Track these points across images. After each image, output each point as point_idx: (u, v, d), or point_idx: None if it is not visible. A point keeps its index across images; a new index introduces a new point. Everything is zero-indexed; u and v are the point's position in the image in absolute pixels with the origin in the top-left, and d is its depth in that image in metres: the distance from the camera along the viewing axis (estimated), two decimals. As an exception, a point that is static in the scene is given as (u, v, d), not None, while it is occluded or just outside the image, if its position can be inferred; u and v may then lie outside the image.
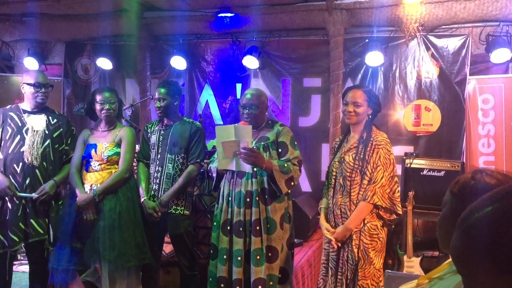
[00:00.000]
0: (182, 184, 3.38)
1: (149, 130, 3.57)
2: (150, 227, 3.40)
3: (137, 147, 3.68)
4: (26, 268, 4.10)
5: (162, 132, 3.50)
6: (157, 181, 3.43)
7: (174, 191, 3.36)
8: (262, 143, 3.12)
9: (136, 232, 3.29)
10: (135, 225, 3.30)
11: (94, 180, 3.31)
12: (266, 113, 3.27)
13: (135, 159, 3.57)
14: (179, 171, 3.42)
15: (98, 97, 3.39)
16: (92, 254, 3.20)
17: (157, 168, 3.45)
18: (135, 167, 3.62)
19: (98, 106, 3.39)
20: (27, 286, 3.62)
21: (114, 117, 3.46)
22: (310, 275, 4.25)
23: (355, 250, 2.79)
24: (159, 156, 3.46)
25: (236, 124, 3.09)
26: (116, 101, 3.44)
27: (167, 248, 3.89)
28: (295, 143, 3.17)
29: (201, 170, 3.67)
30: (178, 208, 3.41)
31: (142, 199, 3.37)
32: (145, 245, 3.31)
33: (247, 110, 3.14)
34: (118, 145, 3.38)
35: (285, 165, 3.02)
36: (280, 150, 3.12)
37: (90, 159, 3.34)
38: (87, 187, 3.31)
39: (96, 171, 3.33)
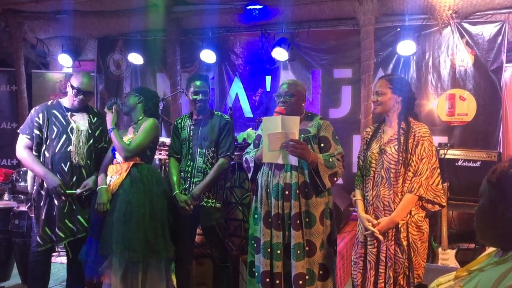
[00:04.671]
0: (213, 177, 3.39)
1: (179, 126, 3.58)
2: (182, 219, 3.43)
3: (167, 140, 3.70)
4: (64, 259, 4.21)
5: (193, 126, 3.51)
6: (188, 175, 3.45)
7: (205, 184, 3.38)
8: (302, 135, 3.04)
9: (147, 227, 3.21)
10: (147, 220, 3.23)
11: (114, 171, 3.34)
12: (303, 105, 3.20)
13: (158, 153, 3.54)
14: (210, 164, 3.44)
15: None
16: (104, 247, 3.21)
17: (188, 163, 3.47)
18: (156, 157, 3.60)
19: None
20: (65, 276, 3.72)
21: (131, 112, 3.49)
22: (342, 267, 4.23)
23: (404, 243, 2.73)
24: (190, 150, 3.48)
25: (280, 111, 3.01)
26: (131, 95, 3.50)
27: (200, 240, 3.94)
28: (337, 137, 3.10)
29: (232, 162, 3.67)
30: (210, 200, 3.43)
31: (174, 193, 3.40)
32: (156, 243, 3.23)
33: (281, 98, 3.10)
34: None
35: (330, 159, 2.96)
36: (322, 145, 3.05)
37: (115, 152, 3.39)
38: (108, 179, 3.36)
39: (118, 163, 3.36)
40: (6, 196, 4.86)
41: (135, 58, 6.15)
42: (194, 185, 3.40)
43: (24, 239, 4.10)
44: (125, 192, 3.25)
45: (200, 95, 3.44)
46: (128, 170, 3.29)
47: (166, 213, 3.35)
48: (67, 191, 3.37)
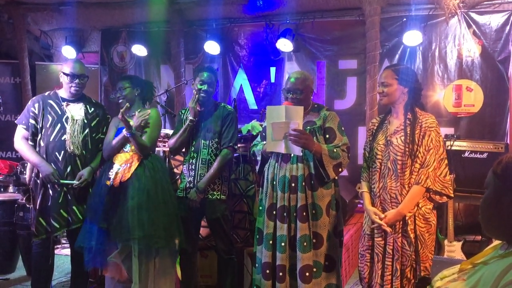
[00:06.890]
0: (217, 168, 3.38)
1: (183, 117, 3.57)
2: (187, 212, 3.42)
3: (171, 132, 3.68)
4: (69, 251, 4.22)
5: (196, 118, 3.50)
6: (193, 167, 3.44)
7: (210, 176, 3.37)
8: (308, 127, 3.03)
9: (162, 213, 3.28)
10: (162, 207, 3.29)
11: (124, 159, 3.34)
12: (311, 97, 3.17)
13: (162, 145, 3.52)
14: (214, 156, 3.42)
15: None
16: (120, 233, 3.22)
17: (192, 154, 3.46)
18: (161, 149, 3.59)
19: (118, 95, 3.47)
20: (70, 269, 3.73)
21: (132, 101, 3.44)
22: (347, 259, 4.22)
23: (412, 235, 2.70)
24: (194, 142, 3.47)
25: (288, 105, 2.97)
26: (127, 87, 3.42)
27: (204, 232, 3.93)
28: (342, 128, 3.08)
29: (236, 154, 3.64)
30: (215, 193, 3.42)
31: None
32: (171, 228, 3.30)
33: (291, 95, 3.05)
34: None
35: (334, 150, 2.94)
36: (327, 136, 3.03)
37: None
38: (116, 166, 3.35)
39: (126, 151, 3.37)
40: (10, 188, 4.88)
41: (139, 50, 6.13)
42: (199, 177, 3.40)
43: (29, 231, 4.10)
44: (139, 181, 3.27)
45: (206, 85, 3.42)
46: (139, 160, 3.32)
47: (175, 201, 3.40)
48: (62, 181, 3.38)
